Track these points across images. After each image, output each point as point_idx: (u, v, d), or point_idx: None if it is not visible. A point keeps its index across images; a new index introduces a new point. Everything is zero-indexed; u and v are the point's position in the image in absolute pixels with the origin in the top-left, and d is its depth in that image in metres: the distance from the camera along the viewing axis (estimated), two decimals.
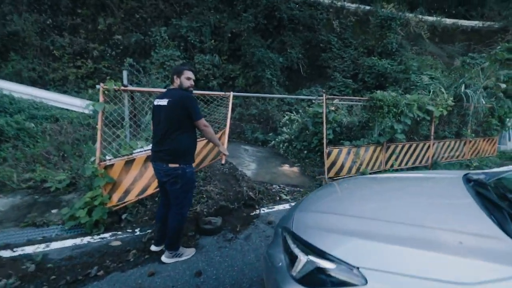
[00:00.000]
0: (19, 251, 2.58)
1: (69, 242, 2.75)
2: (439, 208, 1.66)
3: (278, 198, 4.22)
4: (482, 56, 11.50)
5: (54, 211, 3.55)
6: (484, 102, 7.01)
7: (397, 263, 1.21)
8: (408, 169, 6.10)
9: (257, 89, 10.56)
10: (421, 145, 6.27)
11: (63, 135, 5.57)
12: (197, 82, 11.09)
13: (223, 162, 2.63)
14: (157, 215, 2.54)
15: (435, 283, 1.10)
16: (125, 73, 3.45)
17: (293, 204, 4.06)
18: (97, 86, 3.20)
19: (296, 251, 1.42)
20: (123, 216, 3.24)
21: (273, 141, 7.90)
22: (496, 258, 1.17)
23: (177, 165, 2.29)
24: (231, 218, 3.41)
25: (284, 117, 8.11)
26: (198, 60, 10.54)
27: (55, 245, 2.70)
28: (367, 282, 1.17)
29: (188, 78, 2.47)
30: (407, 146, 6.03)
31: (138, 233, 2.99)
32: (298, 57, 10.91)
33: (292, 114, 7.81)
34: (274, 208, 3.86)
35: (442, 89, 6.83)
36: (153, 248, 2.58)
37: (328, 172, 5.02)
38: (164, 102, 2.32)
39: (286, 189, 4.66)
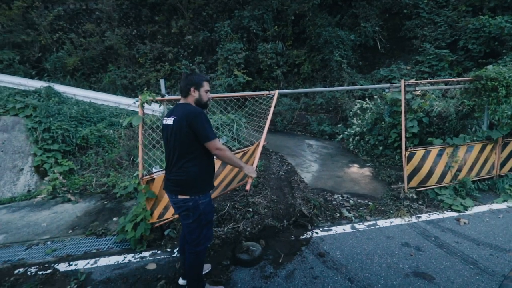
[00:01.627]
0: (73, 265, 2.76)
1: (113, 260, 2.81)
2: None
3: (338, 214, 3.48)
4: None
5: (115, 219, 3.80)
6: None
7: None
8: None
9: (324, 73, 9.48)
10: None
11: (135, 140, 6.09)
12: (261, 73, 10.76)
13: (247, 188, 2.12)
14: (180, 246, 2.28)
15: None
16: (162, 82, 3.30)
17: (356, 225, 3.28)
18: (135, 98, 3.15)
19: None
20: (166, 232, 3.17)
21: (341, 135, 6.89)
22: None
23: (187, 197, 1.93)
24: (275, 242, 2.93)
25: (356, 105, 6.93)
26: (261, 50, 10.09)
27: (102, 261, 2.80)
28: None
29: (207, 91, 2.08)
30: None
31: (175, 254, 2.85)
32: (374, 31, 9.22)
33: (364, 102, 6.59)
34: (330, 230, 3.17)
35: None
36: (181, 281, 2.35)
37: (409, 180, 3.90)
38: (170, 121, 1.95)
39: (351, 201, 3.84)
